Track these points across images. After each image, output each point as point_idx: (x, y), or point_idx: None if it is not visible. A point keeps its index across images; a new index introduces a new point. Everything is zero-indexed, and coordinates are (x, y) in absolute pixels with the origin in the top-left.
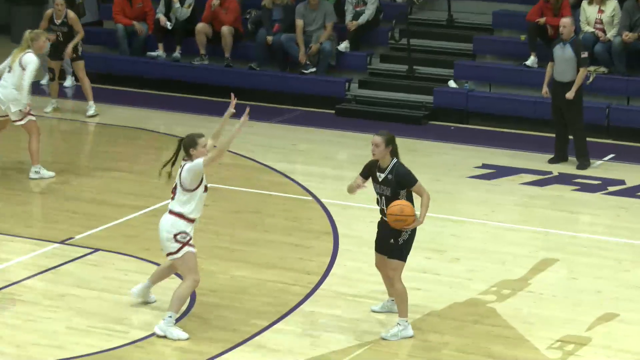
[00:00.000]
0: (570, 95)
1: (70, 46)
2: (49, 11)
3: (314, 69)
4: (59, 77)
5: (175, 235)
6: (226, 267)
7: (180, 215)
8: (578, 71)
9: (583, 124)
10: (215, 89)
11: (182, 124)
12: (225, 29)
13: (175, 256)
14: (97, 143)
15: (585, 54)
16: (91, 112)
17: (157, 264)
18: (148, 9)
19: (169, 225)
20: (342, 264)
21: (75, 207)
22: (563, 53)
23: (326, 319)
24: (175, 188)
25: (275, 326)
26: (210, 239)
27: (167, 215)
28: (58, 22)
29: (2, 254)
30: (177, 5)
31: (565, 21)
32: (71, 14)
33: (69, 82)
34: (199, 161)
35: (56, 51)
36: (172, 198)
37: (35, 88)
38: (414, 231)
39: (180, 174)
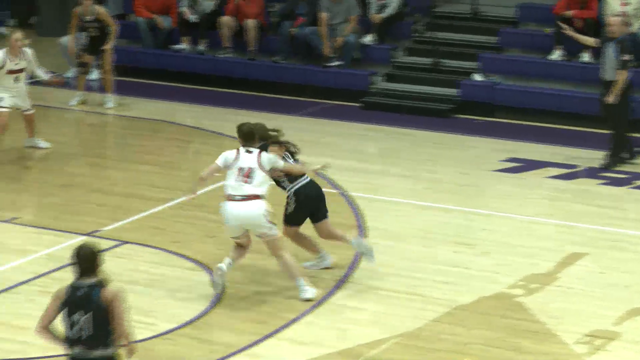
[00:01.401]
0: (611, 99)
1: (109, 44)
2: (77, 9)
3: (338, 62)
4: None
5: (266, 217)
6: (255, 260)
7: (261, 197)
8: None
9: (625, 124)
10: (240, 82)
11: (208, 117)
12: (250, 22)
13: (270, 236)
14: (124, 136)
15: (627, 57)
16: (111, 104)
17: (185, 257)
18: (171, 2)
19: (260, 208)
20: None
21: (102, 200)
22: (608, 52)
23: (353, 312)
24: (246, 173)
25: (303, 319)
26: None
27: (252, 200)
28: (88, 18)
29: (30, 246)
30: None
31: (614, 20)
32: (100, 9)
33: (94, 75)
34: (280, 162)
35: (91, 46)
36: (246, 182)
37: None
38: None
39: (258, 160)
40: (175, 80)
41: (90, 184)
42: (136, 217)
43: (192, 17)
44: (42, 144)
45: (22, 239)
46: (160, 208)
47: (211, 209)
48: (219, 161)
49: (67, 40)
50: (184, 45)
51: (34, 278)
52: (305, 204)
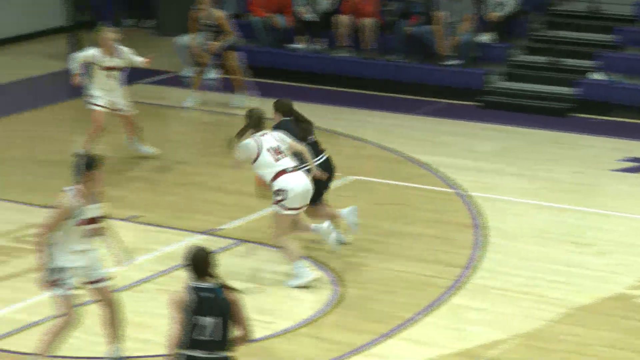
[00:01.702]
0: None
1: (216, 44)
2: (196, 12)
3: (455, 61)
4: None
5: None
6: (371, 260)
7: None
8: None
9: None
10: (357, 81)
11: (323, 116)
12: (366, 21)
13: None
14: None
15: None
16: (238, 103)
17: (302, 256)
18: (287, 1)
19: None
20: (487, 256)
21: (220, 198)
22: None
23: (471, 312)
24: (280, 152)
25: (421, 318)
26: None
27: (300, 172)
28: (206, 22)
29: (150, 245)
30: None
31: None
32: (217, 13)
33: (212, 74)
34: (287, 138)
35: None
36: (284, 157)
37: (174, 80)
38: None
39: (276, 137)
40: (292, 79)
41: (208, 182)
42: (254, 215)
43: (309, 16)
44: (146, 148)
45: (141, 237)
46: None
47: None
48: (240, 156)
49: (184, 40)
50: (300, 44)
51: (153, 276)
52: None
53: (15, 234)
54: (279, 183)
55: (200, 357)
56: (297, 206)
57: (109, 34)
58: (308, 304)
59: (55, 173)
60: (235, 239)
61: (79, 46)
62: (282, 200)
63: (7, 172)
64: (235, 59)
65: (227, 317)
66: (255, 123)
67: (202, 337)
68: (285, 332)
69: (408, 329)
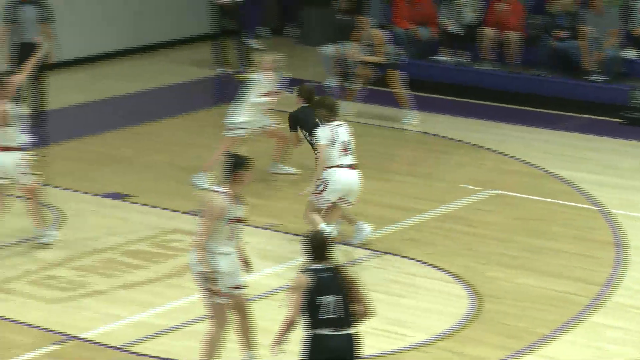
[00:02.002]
0: None
1: (364, 57)
2: (358, 32)
3: (600, 77)
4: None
5: None
6: (510, 274)
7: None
8: None
9: None
10: (500, 95)
11: (465, 128)
12: (511, 34)
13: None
14: (381, 145)
15: None
16: (410, 120)
17: (441, 269)
18: (432, 14)
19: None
20: (630, 275)
21: (358, 209)
22: None
23: (610, 331)
24: (347, 148)
25: (559, 335)
26: (494, 245)
27: (355, 170)
28: (365, 42)
29: (287, 253)
30: (462, 9)
31: None
32: (375, 33)
33: (332, 82)
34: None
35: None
36: (348, 154)
37: (317, 90)
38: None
39: (349, 131)
40: (435, 91)
41: None
42: (392, 227)
43: (453, 29)
44: (287, 169)
45: (279, 246)
46: (416, 219)
47: (468, 221)
48: (324, 142)
49: (329, 50)
50: (444, 57)
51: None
52: None
53: (155, 239)
54: (326, 173)
55: (327, 334)
56: (333, 199)
57: (269, 58)
58: (444, 317)
59: None
60: (373, 250)
61: (223, 54)
62: (322, 191)
63: (149, 178)
64: (397, 79)
65: (347, 294)
66: (329, 108)
67: (327, 316)
68: (421, 345)
69: (545, 346)
